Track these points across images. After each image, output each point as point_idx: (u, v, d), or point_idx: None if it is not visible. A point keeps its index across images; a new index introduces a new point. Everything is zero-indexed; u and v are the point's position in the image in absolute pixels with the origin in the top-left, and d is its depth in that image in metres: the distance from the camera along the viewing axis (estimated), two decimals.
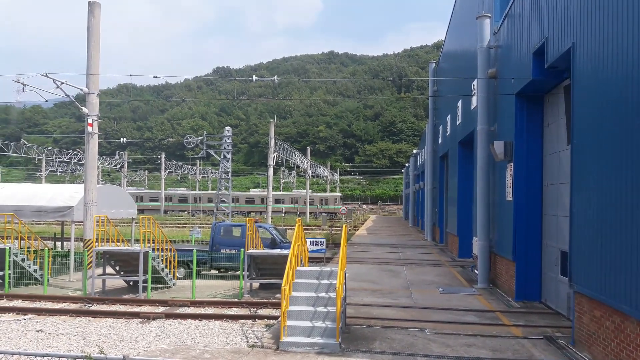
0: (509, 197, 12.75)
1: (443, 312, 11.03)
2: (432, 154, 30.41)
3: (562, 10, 9.33)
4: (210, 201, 66.39)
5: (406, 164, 70.10)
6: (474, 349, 8.39)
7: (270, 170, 35.45)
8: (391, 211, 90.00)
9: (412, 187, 49.03)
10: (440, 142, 28.77)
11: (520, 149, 12.34)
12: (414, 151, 52.74)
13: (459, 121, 21.11)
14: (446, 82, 26.02)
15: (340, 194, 71.34)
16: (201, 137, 33.28)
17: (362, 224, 52.63)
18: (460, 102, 20.81)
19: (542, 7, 10.49)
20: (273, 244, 18.25)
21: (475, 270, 15.51)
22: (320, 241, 19.02)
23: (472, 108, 17.63)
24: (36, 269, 16.36)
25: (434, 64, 31.67)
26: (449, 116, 24.61)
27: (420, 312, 10.95)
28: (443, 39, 30.10)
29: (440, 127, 28.49)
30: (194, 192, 70.96)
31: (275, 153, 36.68)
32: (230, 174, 32.01)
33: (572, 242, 8.61)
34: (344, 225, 11.07)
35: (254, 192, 69.02)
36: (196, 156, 42.28)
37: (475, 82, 16.00)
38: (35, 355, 5.56)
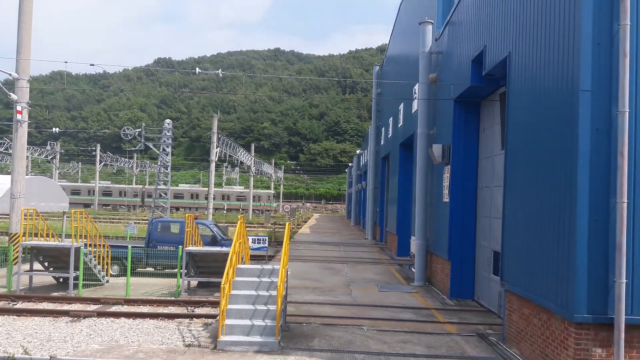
0: (446, 199, 13.19)
1: (381, 309, 11.27)
2: (374, 154, 30.94)
3: (499, 20, 9.74)
4: (136, 196, 65.86)
5: (349, 164, 70.97)
6: (410, 345, 8.62)
7: (212, 165, 34.80)
8: (334, 210, 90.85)
9: (355, 186, 49.68)
10: (382, 143, 29.30)
11: (457, 153, 12.77)
12: (357, 151, 53.54)
13: (401, 124, 21.60)
14: (389, 85, 26.55)
15: (273, 191, 72.02)
16: (139, 130, 32.09)
17: (306, 222, 52.71)
18: (402, 105, 21.28)
19: (481, 16, 10.92)
20: (214, 241, 17.93)
21: (413, 269, 15.95)
22: (263, 239, 18.89)
23: (413, 111, 18.09)
24: None
25: (377, 67, 32.20)
26: (391, 118, 25.14)
27: (359, 310, 11.12)
28: (387, 42, 30.67)
29: (383, 128, 29.03)
30: (118, 185, 70.17)
31: (218, 148, 36.05)
32: (169, 168, 31.08)
33: (504, 243, 9.02)
34: (287, 223, 11.04)
35: (183, 187, 67.88)
36: (134, 149, 40.77)
37: (416, 87, 16.42)
38: None
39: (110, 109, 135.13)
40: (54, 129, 49.60)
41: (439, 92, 14.42)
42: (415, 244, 15.23)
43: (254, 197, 65.77)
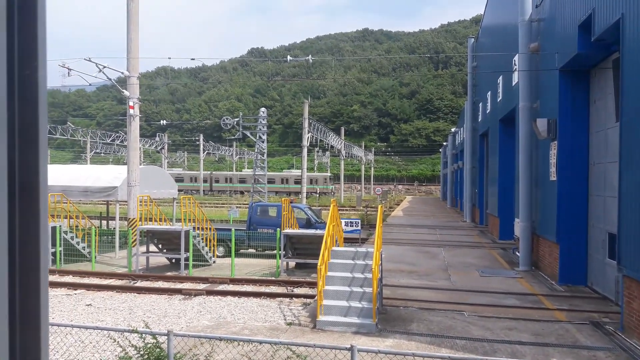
0: (553, 177, 12.32)
1: (483, 294, 10.86)
2: (471, 132, 29.73)
3: None
4: (242, 182, 70.87)
5: (444, 143, 68.78)
6: (515, 332, 8.23)
7: (304, 151, 35.49)
8: (428, 192, 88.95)
9: (450, 166, 48.21)
10: (480, 119, 28.05)
11: (564, 127, 11.86)
12: (452, 129, 51.71)
13: (500, 98, 20.48)
14: (486, 57, 25.20)
15: (329, 174, 73.74)
16: (237, 119, 33.57)
17: (398, 204, 52.34)
18: (500, 78, 20.15)
19: None
20: (308, 224, 18.40)
21: (517, 253, 15.17)
22: (355, 222, 19.03)
23: (513, 84, 17.04)
24: (84, 247, 17.06)
25: (472, 39, 30.70)
26: (489, 93, 23.90)
27: (459, 295, 10.81)
28: (482, 12, 29.05)
29: (480, 104, 27.72)
30: (218, 172, 75.85)
31: (309, 134, 36.64)
32: (265, 155, 32.27)
33: (621, 224, 8.26)
34: (379, 206, 10.99)
35: (274, 173, 71.33)
36: (232, 137, 42.68)
37: (516, 58, 15.42)
38: (86, 327, 5.82)
39: (210, 100, 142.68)
40: (161, 122, 53.55)
41: (542, 63, 13.42)
42: (519, 227, 14.45)
43: (310, 180, 68.53)
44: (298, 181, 69.56)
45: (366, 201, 53.55)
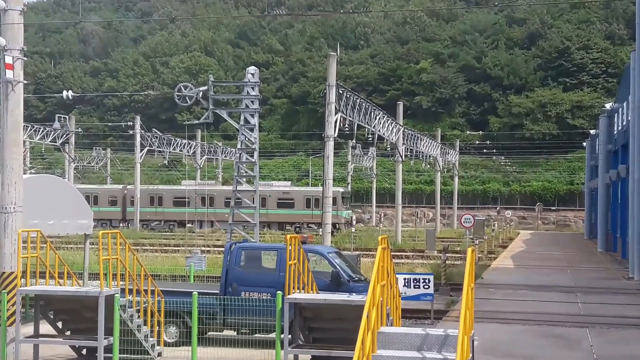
0: None
1: None
2: None
3: None
4: (180, 203, 74.21)
5: (591, 131, 68.08)
6: None
7: (330, 146, 35.51)
8: (562, 222, 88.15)
9: (605, 175, 47.78)
10: None
11: None
12: (608, 105, 51.37)
13: None
14: None
15: (342, 189, 74.61)
16: (203, 87, 33.87)
17: (505, 245, 51.89)
18: None
19: None
20: (336, 282, 18.40)
21: None
22: (425, 279, 19.02)
23: None
24: None
25: None
26: None
27: None
28: None
29: None
30: (145, 187, 78.45)
31: (339, 114, 36.71)
32: (256, 153, 32.43)
33: None
34: (469, 250, 10.93)
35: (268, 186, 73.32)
36: (195, 122, 43.09)
37: None
38: None
39: (154, 54, 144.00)
40: (64, 93, 54.32)
41: None
42: None
43: (307, 200, 71.54)
44: (309, 198, 71.25)
45: (444, 240, 53.14)
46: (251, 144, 32.33)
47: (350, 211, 75.45)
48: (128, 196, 76.67)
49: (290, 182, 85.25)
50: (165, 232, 71.56)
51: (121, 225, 74.04)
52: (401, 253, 44.09)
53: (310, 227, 69.60)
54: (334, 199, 70.39)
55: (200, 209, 69.24)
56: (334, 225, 68.28)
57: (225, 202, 70.04)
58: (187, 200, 71.34)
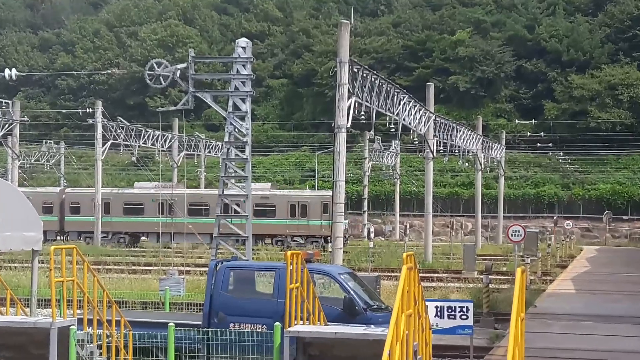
0: None
1: None
2: None
3: None
4: (133, 211, 74.00)
5: None
6: None
7: (342, 138, 35.59)
8: (636, 235, 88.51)
9: None
10: None
11: None
12: None
13: None
14: None
15: (329, 192, 74.98)
16: (184, 65, 33.96)
17: (565, 265, 51.76)
18: None
19: None
20: (349, 311, 18.42)
21: None
22: (462, 308, 19.02)
23: None
24: None
25: None
26: None
27: None
28: None
29: None
30: (81, 190, 79.98)
31: (353, 99, 36.77)
32: (248, 147, 32.51)
33: None
34: (518, 270, 10.97)
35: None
36: (172, 108, 43.12)
37: None
38: None
39: (119, 23, 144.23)
40: (7, 73, 54.52)
41: None
42: None
43: (290, 207, 71.45)
44: (294, 204, 71.17)
45: (487, 258, 52.97)
46: (242, 136, 32.45)
47: (347, 221, 75.83)
48: (67, 202, 75.95)
49: (270, 184, 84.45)
50: (116, 246, 70.86)
51: (58, 238, 73.65)
52: (432, 274, 44.09)
53: (295, 240, 69.62)
54: (321, 202, 70.63)
55: (156, 219, 68.21)
56: (316, 237, 68.63)
57: (190, 210, 70.58)
58: (142, 207, 71.54)
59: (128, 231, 73.50)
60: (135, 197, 73.55)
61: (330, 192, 70.63)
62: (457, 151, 67.87)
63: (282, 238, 70.80)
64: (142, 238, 71.27)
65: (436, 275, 43.98)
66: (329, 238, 65.33)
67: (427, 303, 15.87)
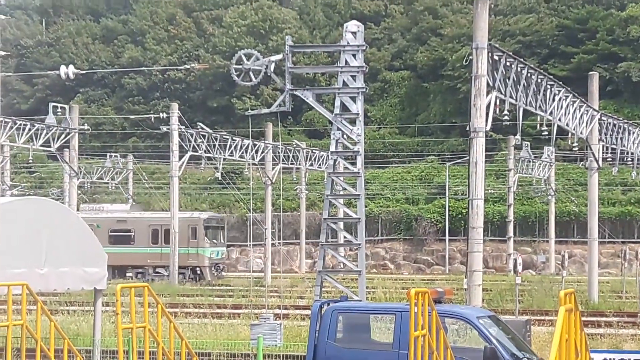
0: None
1: None
2: None
3: None
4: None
5: None
6: None
7: (479, 144, 35.46)
8: None
9: None
10: None
11: None
12: None
13: None
14: None
15: (206, 214, 78.81)
16: (279, 56, 34.27)
17: None
18: None
19: None
20: None
21: None
22: None
23: None
24: None
25: None
26: None
27: None
28: None
29: None
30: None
31: (493, 94, 36.62)
32: (360, 158, 32.58)
33: None
34: None
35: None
36: (265, 111, 43.45)
37: None
38: None
39: (198, 6, 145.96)
40: (63, 71, 55.63)
41: None
42: None
43: (154, 230, 73.39)
44: (156, 228, 72.27)
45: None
46: (353, 144, 32.55)
47: (224, 248, 76.20)
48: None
49: (129, 204, 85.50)
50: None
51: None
52: (599, 318, 43.55)
53: (158, 272, 70.39)
54: (194, 229, 70.64)
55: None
56: (185, 269, 68.62)
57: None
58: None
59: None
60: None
61: (197, 214, 70.25)
62: (629, 159, 67.13)
63: (142, 269, 72.37)
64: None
65: (604, 319, 43.35)
66: (197, 269, 66.79)
67: (592, 355, 15.60)
